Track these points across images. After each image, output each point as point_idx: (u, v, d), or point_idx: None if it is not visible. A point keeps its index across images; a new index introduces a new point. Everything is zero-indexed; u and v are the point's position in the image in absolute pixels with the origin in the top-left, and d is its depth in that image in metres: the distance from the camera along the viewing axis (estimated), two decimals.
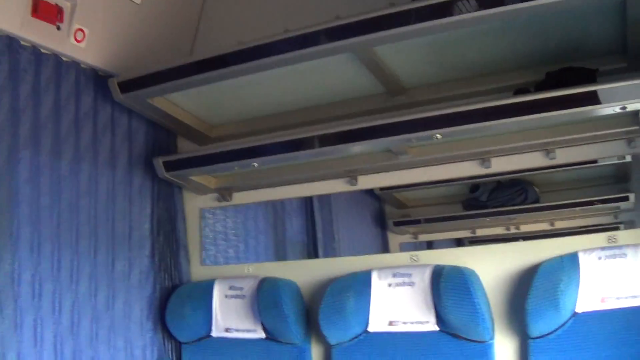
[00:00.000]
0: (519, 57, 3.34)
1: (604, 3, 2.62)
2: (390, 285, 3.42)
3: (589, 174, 4.07)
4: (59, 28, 3.48)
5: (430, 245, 5.24)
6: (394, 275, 3.43)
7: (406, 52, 3.28)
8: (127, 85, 3.60)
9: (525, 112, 2.94)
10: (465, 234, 4.92)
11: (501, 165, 3.52)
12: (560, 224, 4.56)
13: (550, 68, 3.22)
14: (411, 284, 3.38)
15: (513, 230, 4.78)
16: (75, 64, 3.67)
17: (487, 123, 3.02)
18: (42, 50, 3.48)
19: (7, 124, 3.26)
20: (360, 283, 3.50)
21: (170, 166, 3.89)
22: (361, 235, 5.42)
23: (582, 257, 3.08)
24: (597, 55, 3.20)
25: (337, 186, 3.93)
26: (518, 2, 2.63)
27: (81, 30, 3.58)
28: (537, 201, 4.48)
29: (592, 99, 2.80)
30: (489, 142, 3.36)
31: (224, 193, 4.22)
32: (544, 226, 4.63)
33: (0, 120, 3.24)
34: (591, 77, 3.06)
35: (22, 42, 3.37)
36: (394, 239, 5.13)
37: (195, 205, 4.39)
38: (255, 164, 3.64)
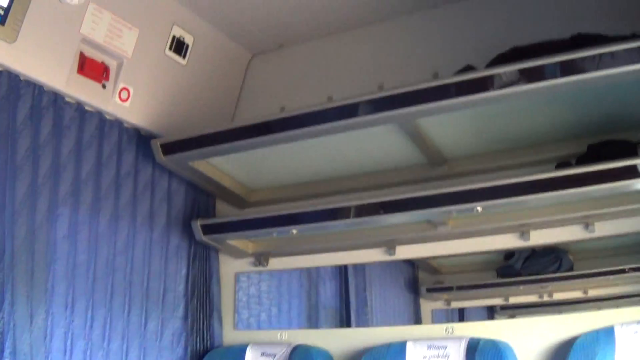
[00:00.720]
0: (561, 129, 3.32)
1: None
2: (425, 357, 3.37)
3: (624, 241, 4.01)
4: (104, 86, 3.53)
5: (462, 312, 5.18)
6: (429, 347, 3.38)
7: (449, 123, 3.27)
8: (170, 148, 3.62)
9: (567, 186, 2.92)
10: (497, 301, 4.86)
11: (540, 237, 3.51)
12: (593, 292, 4.51)
13: (592, 140, 3.20)
14: (446, 356, 3.33)
15: (546, 298, 4.72)
16: (118, 123, 3.71)
17: (529, 197, 3.00)
18: (87, 108, 3.52)
19: (48, 180, 3.28)
20: (395, 354, 3.44)
21: (208, 229, 3.89)
22: (394, 301, 5.37)
23: (618, 331, 3.03)
24: (639, 128, 3.18)
25: (374, 255, 3.90)
26: (558, 77, 2.65)
27: (126, 89, 3.62)
28: (571, 269, 4.40)
29: (633, 172, 2.78)
30: (528, 215, 3.32)
31: (260, 258, 4.21)
32: (577, 294, 4.58)
33: (41, 175, 3.25)
34: (632, 150, 3.04)
35: (67, 99, 3.41)
36: (426, 305, 5.06)
37: (230, 268, 4.36)
38: (295, 231, 3.62)
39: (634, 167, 2.77)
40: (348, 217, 3.42)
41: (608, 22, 3.21)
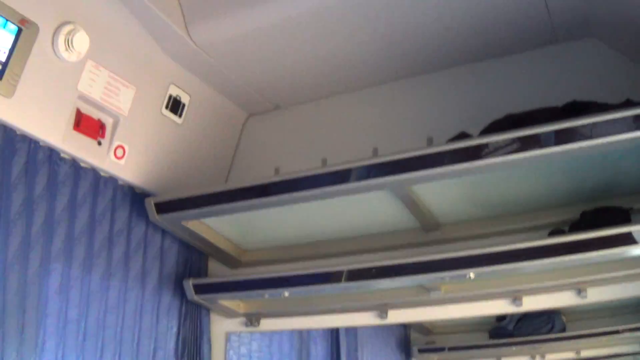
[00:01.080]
0: (554, 196, 3.34)
1: (636, 145, 2.63)
2: None
3: (616, 303, 4.01)
4: (99, 143, 3.54)
5: None
6: None
7: (443, 189, 3.29)
8: (164, 207, 3.64)
9: (560, 253, 2.92)
10: None
11: (532, 303, 3.48)
12: (586, 353, 4.50)
13: (585, 206, 3.21)
14: None
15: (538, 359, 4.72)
16: (113, 180, 3.71)
17: (522, 264, 3.00)
18: (82, 164, 3.52)
19: (41, 235, 3.26)
20: None
21: (200, 289, 3.88)
22: None
23: None
24: (632, 194, 3.20)
25: (366, 319, 3.88)
26: (552, 146, 2.67)
27: (121, 147, 3.63)
28: (563, 330, 4.42)
29: (627, 240, 2.79)
30: (521, 281, 3.32)
31: (252, 318, 4.18)
32: (570, 354, 4.58)
33: (34, 230, 3.23)
34: (625, 217, 3.05)
35: (62, 155, 3.41)
36: None
37: (222, 328, 4.32)
38: (286, 294, 3.60)
39: (628, 234, 2.78)
40: (340, 281, 3.41)
41: (601, 89, 3.25)
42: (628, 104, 2.82)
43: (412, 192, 3.25)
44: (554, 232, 3.17)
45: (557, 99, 3.14)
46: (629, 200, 3.14)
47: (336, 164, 3.17)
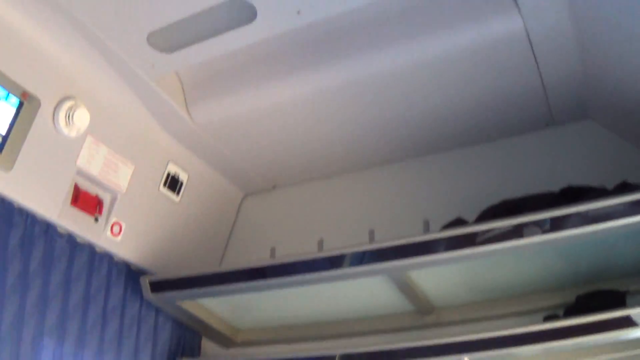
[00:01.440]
0: (549, 280, 3.32)
1: (631, 229, 2.64)
2: None
3: None
4: (96, 219, 3.54)
5: None
6: None
7: (438, 274, 3.28)
8: (159, 286, 3.63)
9: (556, 338, 2.89)
10: None
11: None
12: None
13: (580, 290, 3.19)
14: None
15: None
16: (108, 256, 3.69)
17: (517, 349, 2.97)
18: (78, 240, 3.51)
19: (34, 310, 3.24)
20: None
21: None
22: None
23: None
24: (628, 276, 3.18)
25: None
26: (548, 233, 2.68)
27: (118, 224, 3.64)
28: None
29: (625, 322, 2.76)
30: None
31: None
32: None
33: (29, 304, 3.21)
34: (620, 300, 3.03)
35: (59, 230, 3.41)
36: None
37: None
38: None
39: (626, 317, 2.76)
40: None
41: (598, 171, 3.28)
42: (624, 186, 2.84)
43: (408, 277, 3.25)
44: (549, 317, 3.15)
45: (554, 181, 3.17)
46: (625, 283, 3.13)
47: (332, 249, 3.18)
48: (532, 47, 3.02)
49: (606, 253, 3.07)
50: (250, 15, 3.03)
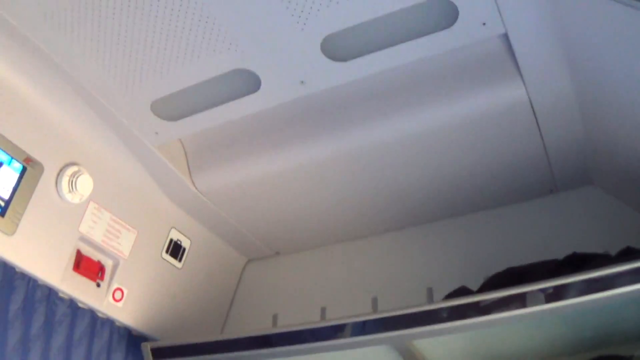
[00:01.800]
0: (554, 346, 3.28)
1: (635, 296, 2.62)
2: None
3: None
4: (98, 285, 3.53)
5: None
6: None
7: (443, 343, 3.23)
8: (160, 353, 3.59)
9: None
10: None
11: None
12: None
13: (585, 356, 3.17)
14: None
15: None
16: (110, 322, 3.67)
17: None
18: (79, 305, 3.49)
19: None
20: None
21: None
22: None
23: None
24: (633, 341, 3.15)
25: None
26: (553, 302, 2.66)
27: (120, 289, 3.62)
28: None
29: None
30: None
31: None
32: None
33: None
34: None
35: (61, 294, 3.39)
36: None
37: None
38: None
39: None
40: None
41: (602, 236, 3.28)
42: (628, 251, 2.83)
43: (412, 346, 3.21)
44: None
45: (559, 247, 3.16)
46: (630, 348, 3.09)
47: (335, 318, 3.15)
48: (535, 114, 3.04)
49: (611, 319, 3.05)
50: (254, 84, 3.07)
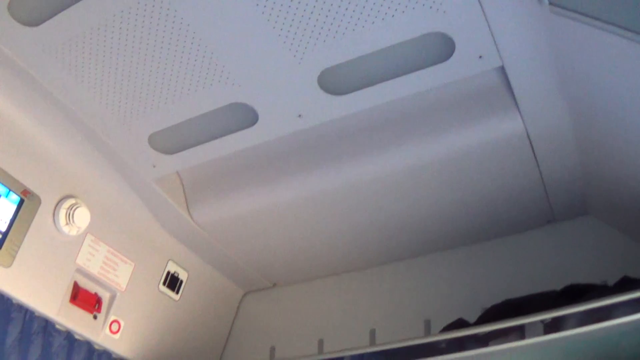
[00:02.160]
0: None
1: (633, 326, 2.61)
2: None
3: None
4: (95, 317, 3.52)
5: None
6: None
7: None
8: None
9: None
10: None
11: None
12: None
13: None
14: None
15: None
16: (107, 354, 3.66)
17: None
18: (76, 337, 3.48)
19: None
20: None
21: None
22: None
23: None
24: None
25: None
26: (551, 333, 2.66)
27: (117, 322, 3.61)
28: None
29: None
30: None
31: None
32: None
33: None
34: None
35: (57, 326, 3.38)
36: None
37: None
38: None
39: None
40: None
41: (599, 266, 3.27)
42: (625, 281, 2.82)
43: None
44: None
45: (557, 277, 3.17)
46: None
47: (333, 351, 3.15)
48: (532, 146, 3.04)
49: (609, 349, 3.04)
50: (251, 118, 3.08)
